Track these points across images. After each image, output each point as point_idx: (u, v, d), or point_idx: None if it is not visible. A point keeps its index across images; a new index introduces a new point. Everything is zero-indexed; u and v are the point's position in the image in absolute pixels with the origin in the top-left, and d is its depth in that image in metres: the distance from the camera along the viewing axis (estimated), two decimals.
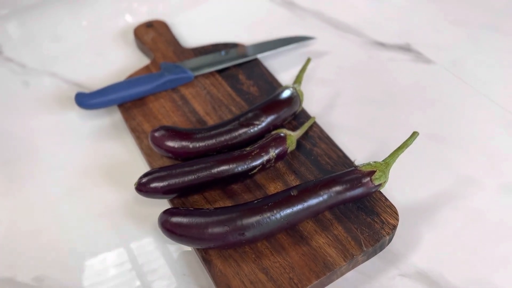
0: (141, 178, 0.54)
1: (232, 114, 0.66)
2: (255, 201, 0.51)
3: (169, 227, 0.50)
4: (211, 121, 0.66)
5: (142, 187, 0.54)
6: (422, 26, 0.82)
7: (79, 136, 0.67)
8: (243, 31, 0.82)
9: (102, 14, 0.87)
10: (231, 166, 0.55)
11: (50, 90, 0.74)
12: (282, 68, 0.74)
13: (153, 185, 0.54)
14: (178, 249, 0.55)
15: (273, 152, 0.56)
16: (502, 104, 0.69)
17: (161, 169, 0.55)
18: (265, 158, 0.56)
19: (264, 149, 0.56)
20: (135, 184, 0.54)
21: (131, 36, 0.82)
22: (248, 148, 0.57)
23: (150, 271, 0.53)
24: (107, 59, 0.78)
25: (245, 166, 0.55)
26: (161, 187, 0.54)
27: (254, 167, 0.56)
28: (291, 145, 0.58)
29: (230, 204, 0.55)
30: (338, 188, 0.51)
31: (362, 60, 0.77)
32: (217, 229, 0.49)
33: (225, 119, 0.66)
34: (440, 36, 0.80)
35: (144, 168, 0.62)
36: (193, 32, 0.82)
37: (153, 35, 0.79)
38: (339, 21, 0.83)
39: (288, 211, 0.50)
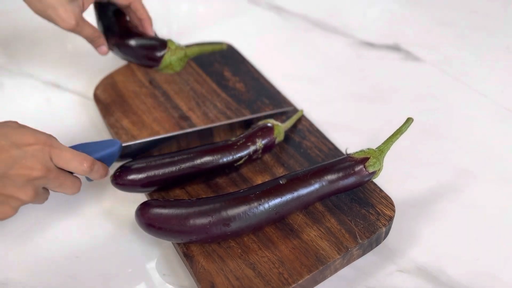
0: (117, 170, 0.50)
1: (217, 110, 0.63)
2: (241, 191, 0.47)
3: (147, 220, 0.46)
4: (194, 116, 0.62)
5: (119, 180, 0.49)
6: (411, 27, 0.81)
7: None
8: (230, 34, 0.80)
9: None
10: (215, 156, 0.51)
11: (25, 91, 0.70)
12: (270, 65, 0.72)
13: (131, 177, 0.49)
14: (157, 246, 0.51)
15: (260, 143, 0.53)
16: (492, 98, 0.67)
17: (139, 160, 0.51)
18: (252, 148, 0.52)
19: (251, 139, 0.53)
20: (110, 177, 0.50)
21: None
22: (233, 138, 0.53)
23: (126, 271, 0.49)
24: (93, 60, 0.75)
25: (231, 157, 0.52)
26: (139, 180, 0.49)
27: (240, 158, 0.52)
28: (278, 135, 0.55)
29: None
30: (330, 176, 0.48)
31: (350, 59, 0.75)
32: (199, 220, 0.45)
33: (210, 115, 0.62)
34: (428, 36, 0.79)
35: None
36: (180, 31, 0.80)
37: None
38: (326, 24, 0.82)
39: (277, 200, 0.46)
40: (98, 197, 0.55)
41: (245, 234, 0.47)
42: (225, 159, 0.51)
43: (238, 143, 0.52)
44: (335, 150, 0.56)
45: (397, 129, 0.50)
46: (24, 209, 0.53)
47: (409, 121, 0.50)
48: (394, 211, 0.50)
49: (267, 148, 0.54)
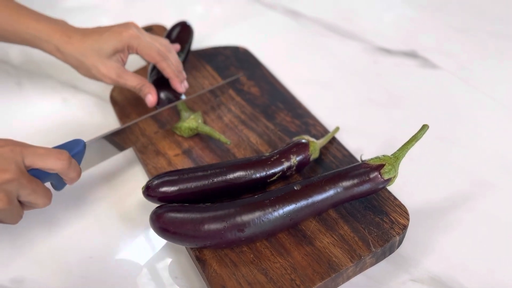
0: (150, 181, 0.49)
1: (232, 114, 0.63)
2: (256, 196, 0.47)
3: (162, 224, 0.46)
4: (209, 119, 0.63)
5: (151, 191, 0.49)
6: (428, 34, 0.80)
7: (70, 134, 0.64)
8: (245, 38, 0.80)
9: (100, 19, 0.86)
10: (248, 172, 0.50)
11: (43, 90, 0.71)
12: (286, 69, 0.72)
13: (163, 189, 0.49)
14: (169, 249, 0.51)
15: (294, 159, 0.51)
16: (511, 107, 0.66)
17: (172, 172, 0.50)
18: (286, 165, 0.51)
19: (285, 155, 0.51)
20: (142, 188, 0.50)
21: None
22: (267, 154, 0.52)
23: (139, 273, 0.49)
24: None
25: (264, 173, 0.50)
26: (171, 192, 0.49)
27: (274, 174, 0.51)
28: (314, 152, 0.53)
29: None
30: (345, 183, 0.47)
31: (366, 65, 0.74)
32: (214, 225, 0.45)
33: (224, 118, 0.63)
34: (446, 43, 0.78)
35: (135, 165, 0.59)
36: (196, 37, 0.80)
37: None
38: (342, 29, 0.82)
39: (292, 207, 0.46)
40: (113, 199, 0.56)
41: (258, 240, 0.47)
42: (258, 175, 0.50)
43: (272, 159, 0.51)
44: (349, 156, 0.56)
45: (413, 136, 0.50)
46: (39, 210, 0.53)
47: (424, 127, 0.50)
48: (408, 219, 0.49)
49: (301, 165, 0.53)
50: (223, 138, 0.57)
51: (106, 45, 0.57)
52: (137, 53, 0.59)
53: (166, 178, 0.49)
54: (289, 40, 0.80)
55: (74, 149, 0.49)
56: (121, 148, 0.56)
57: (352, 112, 0.66)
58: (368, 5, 0.88)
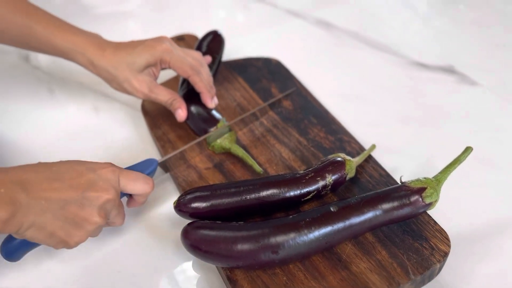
0: (182, 196, 0.49)
1: (263, 127, 0.62)
2: (290, 217, 0.46)
3: (193, 241, 0.45)
4: (240, 133, 0.61)
5: (183, 207, 0.48)
6: (466, 48, 0.78)
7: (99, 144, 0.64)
8: (277, 49, 0.79)
9: (130, 27, 0.86)
10: (282, 189, 0.48)
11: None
12: (317, 82, 0.70)
13: (195, 205, 0.48)
14: (199, 266, 0.50)
15: (330, 178, 0.50)
16: None
17: (204, 188, 0.49)
18: (321, 184, 0.49)
19: (320, 173, 0.49)
20: (174, 203, 0.49)
21: None
22: (301, 171, 0.51)
23: None
24: None
25: (298, 191, 0.49)
26: (203, 208, 0.48)
27: (308, 193, 0.49)
28: (350, 171, 0.51)
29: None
30: (384, 205, 0.46)
31: (402, 80, 0.72)
32: (247, 246, 0.43)
33: (256, 132, 0.61)
34: (485, 59, 0.75)
35: (164, 177, 0.58)
36: (227, 46, 0.79)
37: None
38: (377, 42, 0.80)
39: (328, 229, 0.44)
40: (144, 213, 0.55)
41: (292, 262, 0.45)
42: (292, 193, 0.49)
43: (307, 177, 0.49)
44: (386, 176, 0.54)
45: (455, 158, 0.48)
46: None
47: (468, 150, 0.47)
48: (449, 246, 0.47)
49: (336, 185, 0.51)
50: (256, 166, 0.55)
51: (139, 59, 0.57)
52: (169, 67, 0.59)
53: (198, 194, 0.48)
54: (321, 51, 0.79)
55: (148, 169, 0.51)
56: (166, 169, 0.56)
57: (387, 129, 0.64)
58: (403, 17, 0.86)
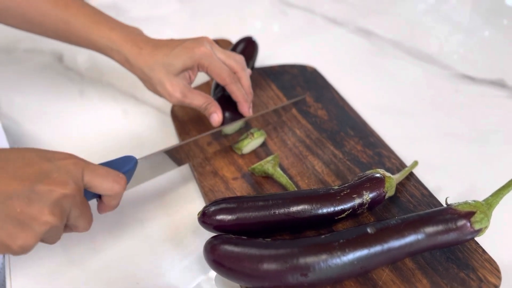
0: (207, 207, 0.45)
1: (296, 138, 0.58)
2: (322, 236, 0.42)
3: (217, 257, 0.41)
4: (271, 143, 0.58)
5: (207, 219, 0.45)
6: None
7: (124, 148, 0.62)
8: (313, 57, 0.75)
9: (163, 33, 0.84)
10: (314, 206, 0.45)
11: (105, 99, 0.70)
12: (355, 92, 0.67)
13: (220, 217, 0.45)
14: (221, 283, 0.46)
15: (367, 196, 0.45)
16: None
17: (230, 199, 0.46)
18: (357, 201, 0.45)
19: (357, 190, 0.46)
20: (198, 214, 0.46)
21: None
22: (335, 187, 0.47)
23: None
24: None
25: (332, 209, 0.45)
26: (229, 221, 0.45)
27: (343, 211, 0.45)
28: (389, 189, 0.47)
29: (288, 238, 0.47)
30: (427, 229, 0.41)
31: (446, 93, 0.68)
32: (274, 266, 0.40)
33: (288, 142, 0.58)
34: None
35: (189, 183, 0.55)
36: (262, 52, 0.77)
37: None
38: (420, 51, 0.75)
39: (364, 252, 0.40)
40: (167, 224, 0.52)
41: (322, 286, 0.42)
42: (325, 210, 0.45)
43: (342, 193, 0.45)
44: (429, 196, 0.50)
45: (509, 181, 0.43)
46: (92, 228, 0.51)
47: None
48: (500, 278, 0.42)
49: (374, 203, 0.47)
50: (290, 184, 0.52)
51: (176, 61, 0.54)
52: (207, 72, 0.56)
53: (224, 205, 0.45)
54: (360, 60, 0.75)
55: (125, 167, 0.45)
56: (178, 162, 0.53)
57: (431, 145, 0.60)
58: (448, 26, 0.81)
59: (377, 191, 0.46)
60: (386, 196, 0.47)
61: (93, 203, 0.45)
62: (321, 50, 0.78)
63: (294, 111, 0.63)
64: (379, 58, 0.75)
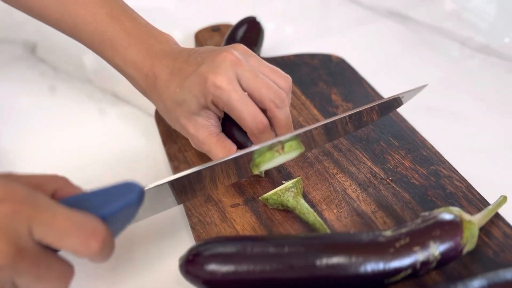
0: (193, 250, 0.31)
1: (319, 148, 0.43)
2: None
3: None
4: None
5: (192, 269, 0.31)
6: None
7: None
8: (342, 46, 0.60)
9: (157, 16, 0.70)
10: (354, 260, 0.29)
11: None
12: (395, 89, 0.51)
13: (211, 267, 0.30)
14: None
15: (435, 250, 0.30)
16: None
17: (227, 240, 0.32)
18: (421, 257, 0.30)
19: (420, 240, 0.30)
20: (180, 260, 0.32)
21: (191, 42, 0.63)
22: (387, 233, 0.31)
23: None
24: None
25: (381, 266, 0.29)
26: (224, 275, 0.30)
27: (397, 271, 0.30)
28: (470, 241, 0.31)
29: None
30: None
31: None
32: None
33: (308, 154, 0.43)
34: None
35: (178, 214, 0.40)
36: (278, 40, 0.62)
37: (219, 41, 0.60)
38: (476, 41, 0.60)
39: None
40: (144, 265, 0.38)
41: None
42: (369, 268, 0.29)
43: (397, 244, 0.30)
44: None
45: None
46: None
47: None
48: None
49: (445, 261, 0.31)
50: (318, 224, 0.36)
51: (189, 98, 0.39)
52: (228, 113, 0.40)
53: (219, 250, 0.31)
54: (400, 50, 0.60)
55: (119, 201, 0.29)
56: (180, 198, 0.36)
57: (498, 157, 0.44)
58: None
59: (452, 243, 0.30)
60: (464, 251, 0.31)
61: None
62: (349, 38, 0.63)
63: (315, 112, 0.48)
64: (423, 48, 0.60)
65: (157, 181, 0.33)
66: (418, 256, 0.29)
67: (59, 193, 0.29)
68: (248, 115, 0.37)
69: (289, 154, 0.37)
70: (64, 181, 0.30)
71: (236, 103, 0.37)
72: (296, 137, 0.36)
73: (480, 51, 0.58)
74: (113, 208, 0.28)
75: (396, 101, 0.40)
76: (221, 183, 0.36)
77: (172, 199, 0.35)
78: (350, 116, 0.38)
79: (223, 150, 0.40)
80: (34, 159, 0.50)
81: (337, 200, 0.39)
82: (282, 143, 0.36)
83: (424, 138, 0.44)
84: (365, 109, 0.38)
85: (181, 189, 0.35)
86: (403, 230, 0.31)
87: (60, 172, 0.46)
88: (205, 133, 0.40)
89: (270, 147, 0.36)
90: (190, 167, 0.41)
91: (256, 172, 0.36)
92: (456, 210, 0.32)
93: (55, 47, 0.65)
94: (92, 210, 0.28)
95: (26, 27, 0.67)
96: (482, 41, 0.59)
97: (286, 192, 0.37)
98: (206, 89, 0.38)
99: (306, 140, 0.37)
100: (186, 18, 0.69)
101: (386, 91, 0.50)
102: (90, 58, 0.62)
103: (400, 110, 0.48)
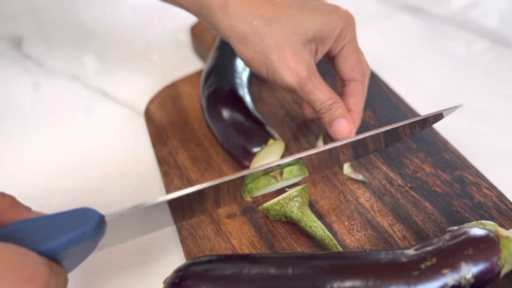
0: (180, 272, 0.27)
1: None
2: None
3: None
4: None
5: None
6: None
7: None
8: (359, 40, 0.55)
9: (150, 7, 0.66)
10: (370, 284, 0.25)
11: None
12: (412, 86, 0.46)
13: None
14: None
15: (468, 272, 0.25)
16: None
17: (221, 260, 0.27)
18: (450, 281, 0.25)
19: (450, 260, 0.26)
20: (164, 282, 0.27)
21: (186, 35, 0.59)
22: (410, 252, 0.26)
23: None
24: (154, 61, 0.56)
25: None
26: None
27: None
28: (508, 261, 0.26)
29: None
30: None
31: None
32: None
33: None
34: None
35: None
36: None
37: (216, 34, 0.55)
38: (502, 35, 0.55)
39: None
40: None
41: None
42: None
43: (422, 266, 0.25)
44: None
45: None
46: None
47: None
48: None
49: (480, 284, 0.26)
50: (330, 242, 0.31)
51: (310, 20, 0.34)
52: (334, 54, 0.36)
53: (211, 271, 0.27)
54: (418, 44, 0.55)
55: (75, 231, 0.24)
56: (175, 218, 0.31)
57: None
58: None
59: (487, 264, 0.25)
60: (502, 273, 0.26)
61: None
62: (361, 31, 0.58)
63: None
64: (444, 41, 0.55)
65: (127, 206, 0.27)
66: (447, 280, 0.25)
67: (2, 216, 0.24)
68: (359, 65, 0.36)
69: (288, 181, 0.31)
70: (10, 201, 0.25)
71: (356, 50, 0.36)
72: (298, 161, 0.31)
73: (506, 45, 0.53)
74: (65, 240, 0.24)
75: (438, 118, 0.35)
76: (209, 210, 0.31)
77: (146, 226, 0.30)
78: (385, 133, 0.33)
79: (328, 91, 0.35)
80: (11, 161, 0.45)
81: (348, 211, 0.34)
82: (281, 167, 0.31)
83: (446, 140, 0.39)
84: (402, 125, 0.33)
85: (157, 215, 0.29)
86: (429, 248, 0.26)
87: (38, 178, 0.42)
88: (308, 67, 0.34)
89: (266, 172, 0.30)
90: (181, 173, 0.37)
91: (248, 198, 0.31)
92: (490, 224, 0.27)
93: (42, 42, 0.62)
94: (38, 242, 0.23)
95: (13, 22, 0.64)
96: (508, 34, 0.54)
97: (290, 201, 0.32)
98: (335, 19, 0.34)
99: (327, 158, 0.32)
100: (182, 10, 0.65)
101: (400, 87, 0.46)
102: (78, 54, 0.58)
103: (418, 108, 0.43)
